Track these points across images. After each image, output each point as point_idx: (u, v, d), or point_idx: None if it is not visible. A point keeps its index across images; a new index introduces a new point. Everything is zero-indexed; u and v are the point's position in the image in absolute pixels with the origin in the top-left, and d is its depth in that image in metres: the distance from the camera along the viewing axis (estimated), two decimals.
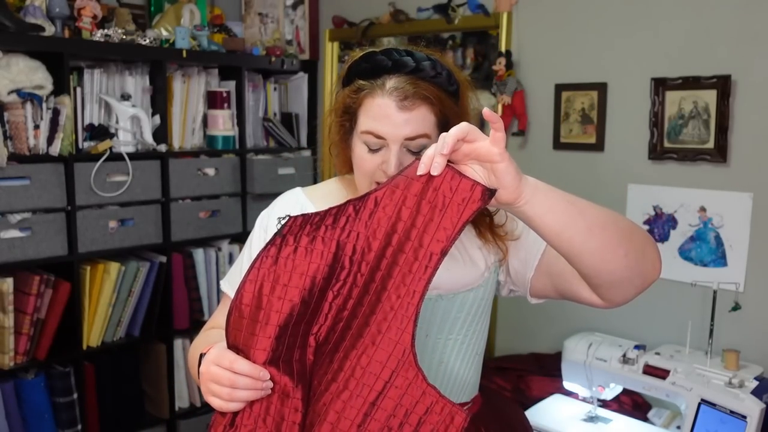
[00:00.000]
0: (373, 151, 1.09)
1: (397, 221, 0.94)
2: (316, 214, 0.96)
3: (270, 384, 0.94)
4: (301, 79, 2.90)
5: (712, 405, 1.62)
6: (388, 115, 1.06)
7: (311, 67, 2.92)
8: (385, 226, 0.94)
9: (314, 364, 0.96)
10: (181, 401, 2.58)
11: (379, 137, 1.07)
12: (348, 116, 1.13)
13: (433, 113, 1.09)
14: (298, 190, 1.27)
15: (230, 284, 1.25)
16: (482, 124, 1.21)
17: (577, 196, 1.08)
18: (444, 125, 1.09)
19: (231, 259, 2.69)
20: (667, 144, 2.02)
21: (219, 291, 2.64)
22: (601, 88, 2.15)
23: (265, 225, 1.23)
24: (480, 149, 0.98)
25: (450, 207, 0.93)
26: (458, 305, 1.16)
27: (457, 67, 1.20)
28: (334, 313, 0.95)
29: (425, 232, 0.93)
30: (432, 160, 0.92)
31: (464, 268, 1.16)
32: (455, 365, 1.18)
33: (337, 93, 1.16)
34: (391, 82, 1.08)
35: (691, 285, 1.91)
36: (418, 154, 1.06)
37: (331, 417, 0.93)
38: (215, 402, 0.96)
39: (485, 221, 1.18)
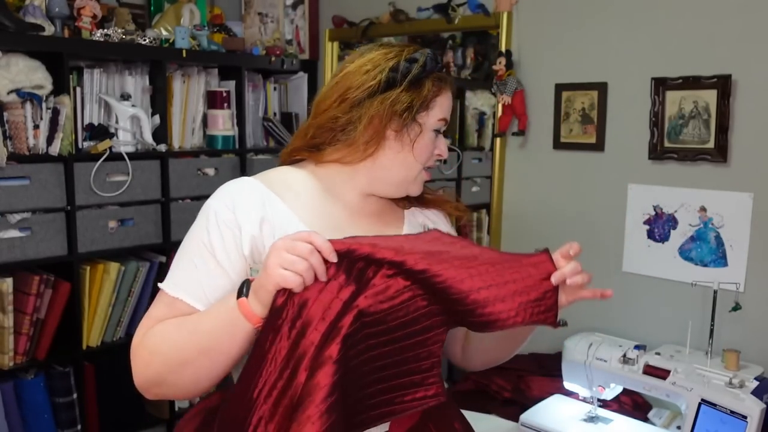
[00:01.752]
0: (437, 135, 1.24)
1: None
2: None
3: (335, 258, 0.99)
4: (301, 79, 2.90)
5: (713, 405, 1.62)
6: (449, 106, 1.25)
7: (311, 67, 2.92)
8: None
9: None
10: (181, 401, 2.58)
11: (446, 123, 1.25)
12: (413, 112, 1.20)
13: None
14: (254, 180, 1.17)
15: (182, 289, 1.11)
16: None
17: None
18: None
19: None
20: (667, 144, 2.02)
21: None
22: (601, 88, 2.14)
23: (231, 222, 1.11)
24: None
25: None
26: None
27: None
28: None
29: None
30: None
31: None
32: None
33: (401, 91, 1.18)
34: (450, 77, 1.26)
35: (691, 285, 1.91)
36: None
37: None
38: (284, 274, 0.95)
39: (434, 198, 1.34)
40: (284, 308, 0.96)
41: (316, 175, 1.22)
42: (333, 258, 0.98)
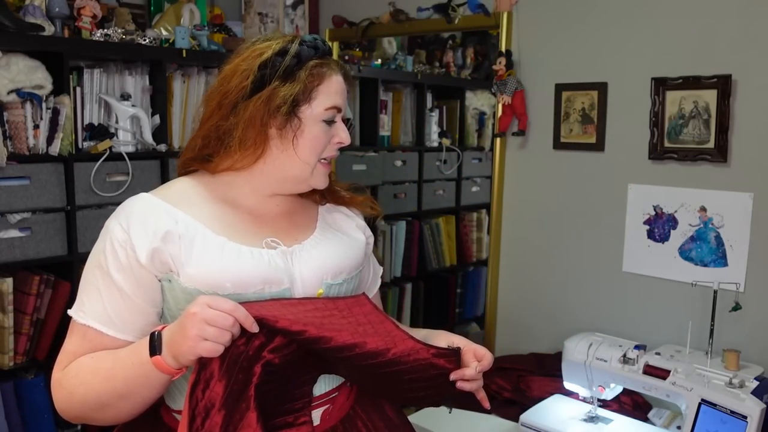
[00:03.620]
0: (329, 124, 1.18)
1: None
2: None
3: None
4: None
5: (713, 405, 1.62)
6: (342, 89, 1.20)
7: None
8: None
9: None
10: None
11: (339, 110, 1.19)
12: (291, 106, 1.14)
13: None
14: (149, 196, 1.15)
15: (89, 315, 1.09)
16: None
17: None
18: None
19: None
20: (667, 144, 2.02)
21: None
22: (602, 87, 2.14)
23: (126, 241, 1.09)
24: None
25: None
26: (355, 286, 1.28)
27: None
28: None
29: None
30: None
31: (356, 251, 1.28)
32: None
33: (275, 88, 1.14)
34: (334, 61, 1.20)
35: (691, 285, 1.91)
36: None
37: None
38: (206, 346, 0.96)
39: (344, 194, 1.34)
40: (203, 368, 1.00)
41: (212, 184, 1.20)
42: (255, 329, 1.01)
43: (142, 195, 1.16)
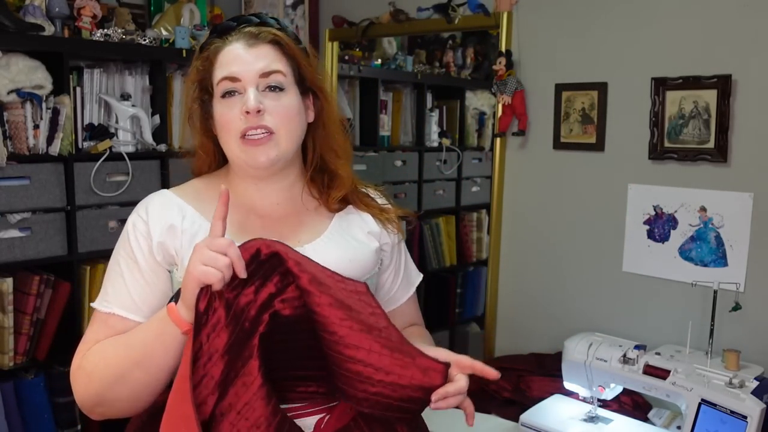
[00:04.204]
0: (232, 97, 1.12)
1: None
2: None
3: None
4: None
5: (713, 405, 1.62)
6: (238, 55, 1.12)
7: None
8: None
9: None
10: None
11: (235, 79, 1.12)
12: (204, 91, 1.17)
13: (282, 53, 1.15)
14: (168, 192, 1.20)
15: (114, 303, 1.13)
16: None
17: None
18: (298, 74, 1.17)
19: None
20: (667, 144, 2.02)
21: None
22: (601, 87, 2.14)
23: (145, 232, 1.13)
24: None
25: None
26: None
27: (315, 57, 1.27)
28: None
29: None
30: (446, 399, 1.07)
31: (364, 258, 1.23)
32: None
33: (189, 78, 1.20)
34: (237, 33, 1.15)
35: (691, 285, 1.91)
36: (278, 91, 1.13)
37: None
38: (209, 272, 0.96)
39: (375, 204, 1.29)
40: (207, 313, 0.99)
41: (205, 182, 1.24)
42: (243, 275, 0.99)
43: (162, 191, 1.21)
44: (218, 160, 1.25)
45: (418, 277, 1.41)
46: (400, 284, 1.36)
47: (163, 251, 1.13)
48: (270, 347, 1.04)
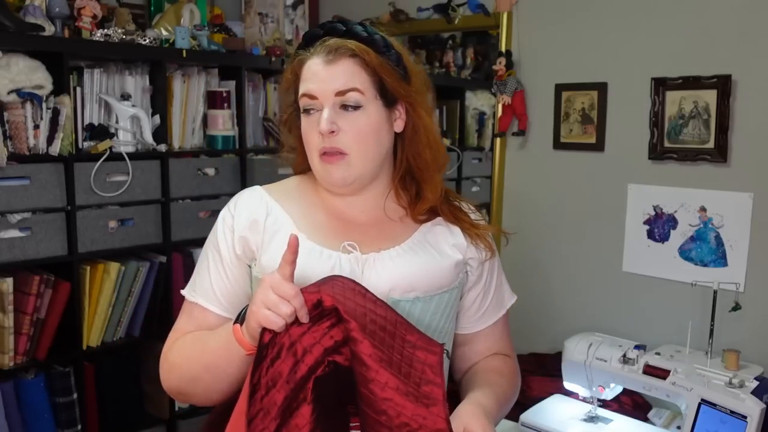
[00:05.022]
0: (310, 115, 1.13)
1: None
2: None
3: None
4: None
5: (713, 405, 1.62)
6: (316, 73, 1.11)
7: None
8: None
9: None
10: (181, 402, 2.58)
11: (312, 97, 1.12)
12: (295, 99, 1.18)
13: (361, 68, 1.12)
14: (259, 188, 1.23)
15: (198, 293, 1.19)
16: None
17: (497, 380, 1.25)
18: (380, 88, 1.13)
19: None
20: (667, 144, 2.02)
21: None
22: (601, 88, 2.14)
23: (234, 226, 1.17)
24: None
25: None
26: (434, 307, 1.18)
27: (414, 63, 1.22)
28: None
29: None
30: None
31: (441, 270, 1.18)
32: None
33: (281, 86, 1.23)
34: (320, 44, 1.13)
35: (691, 285, 1.91)
36: (354, 110, 1.11)
37: None
38: (270, 317, 0.97)
39: (466, 218, 1.24)
40: (269, 346, 0.99)
41: (300, 180, 1.26)
42: (305, 320, 0.98)
43: (254, 187, 1.24)
44: None
45: (511, 299, 1.35)
46: (489, 304, 1.31)
47: (244, 245, 1.16)
48: (327, 394, 1.02)
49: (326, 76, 1.10)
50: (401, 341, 1.02)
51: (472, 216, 1.27)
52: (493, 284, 1.30)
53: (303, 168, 1.26)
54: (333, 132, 1.10)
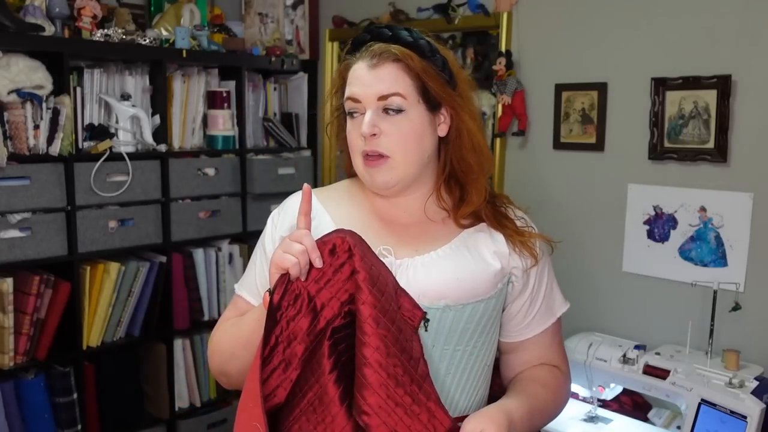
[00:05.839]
0: (354, 118, 1.15)
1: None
2: None
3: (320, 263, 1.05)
4: (301, 79, 2.90)
5: (713, 405, 1.62)
6: (360, 76, 1.13)
7: (311, 67, 2.92)
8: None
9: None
10: (181, 401, 2.58)
11: (356, 100, 1.14)
12: (339, 105, 1.21)
13: (404, 72, 1.13)
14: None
15: (244, 287, 1.26)
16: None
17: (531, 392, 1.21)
18: (424, 92, 1.14)
19: (231, 259, 2.69)
20: (667, 144, 2.02)
21: (218, 291, 2.65)
22: (601, 88, 2.14)
23: (277, 224, 1.23)
24: None
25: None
26: (467, 316, 1.15)
27: (459, 66, 1.23)
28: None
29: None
30: None
31: (477, 278, 1.16)
32: (463, 377, 1.16)
33: (329, 90, 1.26)
34: (365, 49, 1.15)
35: (691, 285, 1.91)
36: (396, 114, 1.12)
37: None
38: (286, 257, 1.03)
39: (511, 225, 1.23)
40: (282, 299, 1.05)
41: (351, 184, 1.28)
42: (318, 264, 1.05)
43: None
44: None
45: (562, 307, 1.30)
46: (537, 313, 1.26)
47: None
48: (344, 340, 1.07)
49: (370, 80, 1.12)
50: (396, 304, 1.08)
51: (518, 223, 1.25)
52: (542, 292, 1.27)
53: (351, 171, 1.26)
54: (375, 135, 1.12)
